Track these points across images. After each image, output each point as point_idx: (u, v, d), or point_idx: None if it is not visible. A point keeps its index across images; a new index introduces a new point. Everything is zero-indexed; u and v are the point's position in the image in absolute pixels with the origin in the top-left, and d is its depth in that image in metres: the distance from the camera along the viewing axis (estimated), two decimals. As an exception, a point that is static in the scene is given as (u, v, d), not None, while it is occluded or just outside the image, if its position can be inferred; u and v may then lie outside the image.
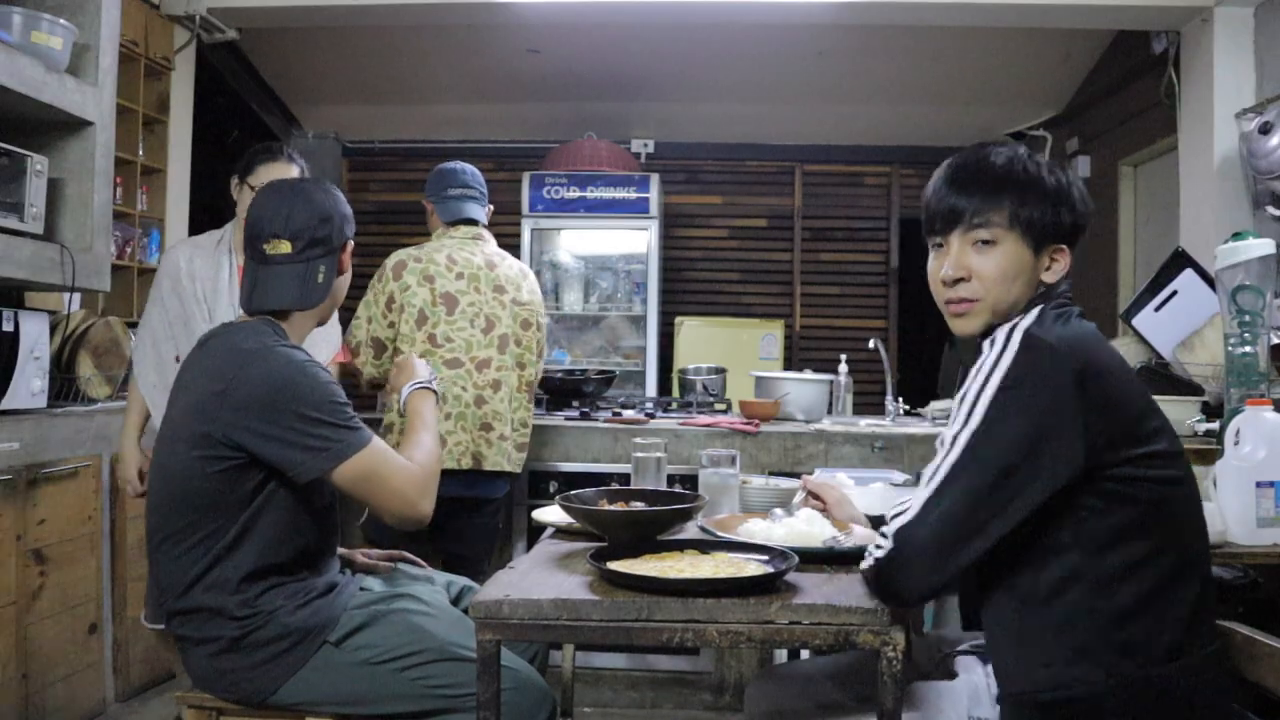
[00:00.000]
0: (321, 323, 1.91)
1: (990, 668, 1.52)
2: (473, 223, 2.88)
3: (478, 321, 2.77)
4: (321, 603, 1.71)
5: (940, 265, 1.50)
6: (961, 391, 1.39)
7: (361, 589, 1.83)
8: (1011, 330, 1.39)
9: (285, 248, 1.77)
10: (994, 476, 1.30)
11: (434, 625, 1.73)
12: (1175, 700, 1.32)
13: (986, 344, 1.41)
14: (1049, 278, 1.48)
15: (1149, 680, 1.31)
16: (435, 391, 1.96)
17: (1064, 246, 1.48)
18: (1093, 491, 1.32)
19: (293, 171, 2.59)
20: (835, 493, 1.86)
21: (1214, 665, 1.38)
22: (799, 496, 1.94)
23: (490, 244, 2.89)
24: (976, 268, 1.46)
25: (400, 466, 1.72)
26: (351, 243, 1.87)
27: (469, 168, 2.95)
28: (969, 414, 1.34)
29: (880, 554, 1.35)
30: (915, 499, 1.34)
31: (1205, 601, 1.38)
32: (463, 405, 2.71)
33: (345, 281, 1.89)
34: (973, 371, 1.39)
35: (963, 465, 1.31)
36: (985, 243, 1.46)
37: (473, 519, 2.77)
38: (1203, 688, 1.35)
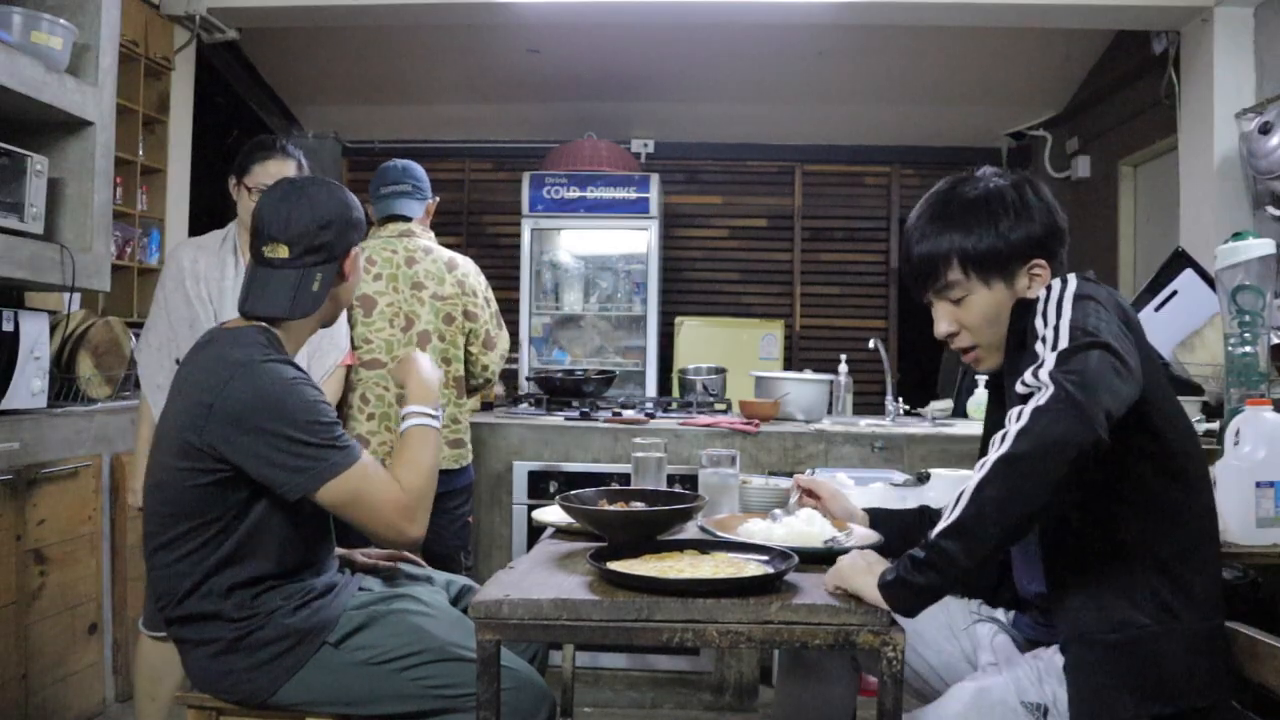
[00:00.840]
0: (326, 325, 1.88)
1: (1027, 653, 1.56)
2: (402, 219, 2.87)
3: (397, 321, 2.77)
4: (320, 603, 1.71)
5: (936, 322, 1.61)
6: (1032, 318, 1.42)
7: (361, 589, 1.83)
8: (1064, 275, 1.47)
9: (282, 252, 1.72)
10: (1114, 333, 1.34)
11: (433, 625, 1.73)
12: (1214, 654, 1.43)
13: (1042, 289, 1.47)
14: (1033, 294, 1.52)
15: (1191, 631, 1.41)
16: (437, 425, 1.83)
17: (1038, 260, 1.53)
18: (1141, 437, 1.40)
19: (289, 167, 2.51)
20: (828, 487, 1.87)
21: (1225, 637, 1.47)
22: (794, 497, 1.93)
23: (418, 239, 2.85)
24: (961, 320, 1.58)
25: (387, 487, 1.67)
26: (357, 249, 1.81)
27: (403, 163, 2.92)
28: (1057, 311, 1.38)
29: (1040, 400, 1.27)
30: (1039, 360, 1.33)
31: (1220, 575, 1.50)
32: (385, 405, 2.74)
33: (350, 287, 1.85)
34: (1037, 304, 1.44)
35: (1079, 340, 1.32)
36: (957, 299, 1.56)
37: None
38: (1222, 654, 1.45)
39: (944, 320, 1.59)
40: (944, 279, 1.55)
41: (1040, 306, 1.43)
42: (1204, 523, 1.48)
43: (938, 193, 1.60)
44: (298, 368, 1.72)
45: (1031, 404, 1.27)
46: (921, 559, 1.29)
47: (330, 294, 1.78)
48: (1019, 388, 1.33)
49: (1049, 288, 1.46)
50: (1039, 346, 1.36)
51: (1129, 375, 1.29)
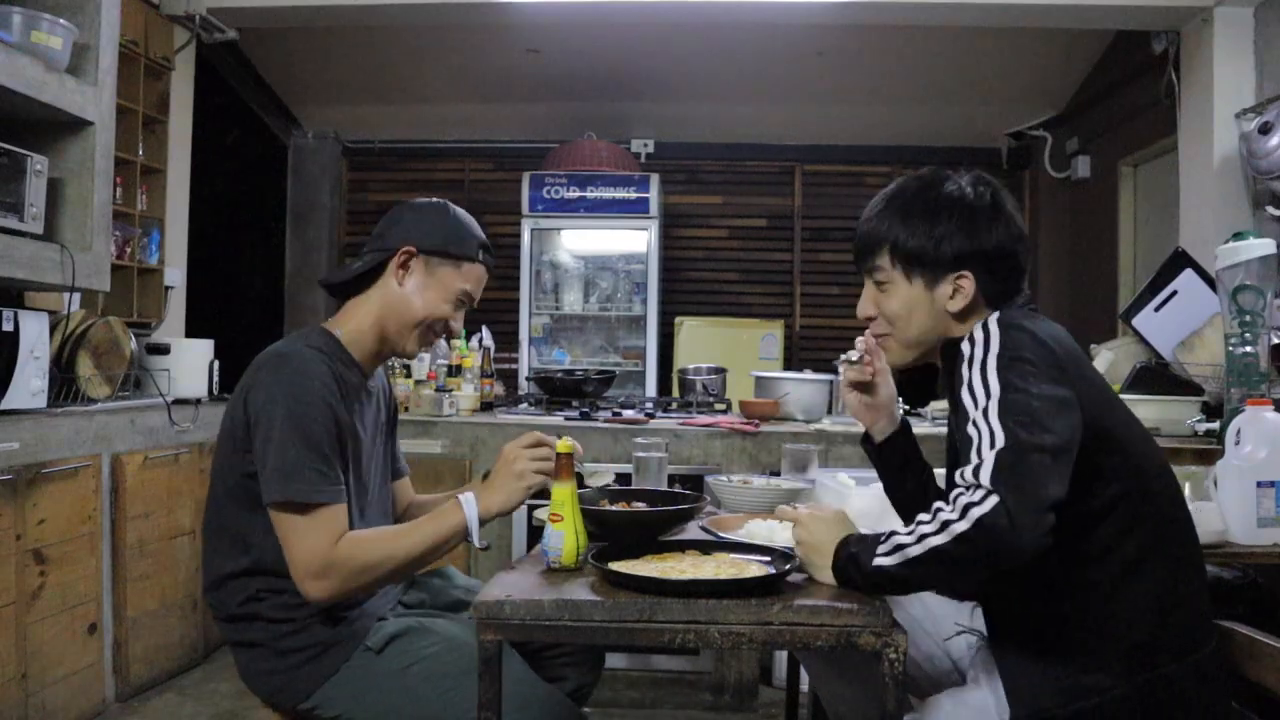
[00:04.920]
0: (388, 339, 1.78)
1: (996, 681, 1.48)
2: None
3: None
4: (357, 611, 1.67)
5: (861, 301, 1.61)
6: (959, 385, 1.40)
7: (401, 601, 1.82)
8: (986, 322, 1.42)
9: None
10: (1048, 411, 1.29)
11: (473, 635, 1.69)
12: (1187, 699, 1.34)
13: (965, 343, 1.44)
14: (954, 306, 1.51)
15: (1161, 681, 1.32)
16: (472, 541, 1.69)
17: (965, 273, 1.50)
18: (1082, 489, 1.32)
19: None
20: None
21: (1217, 661, 1.40)
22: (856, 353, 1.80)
23: None
24: (880, 306, 1.58)
25: (307, 538, 1.54)
26: (414, 258, 1.74)
27: None
28: (985, 390, 1.34)
29: (983, 509, 1.24)
30: (978, 459, 1.28)
31: (1205, 597, 1.40)
32: None
33: (403, 294, 1.75)
34: (963, 366, 1.40)
35: (1015, 438, 1.27)
36: (881, 284, 1.56)
37: None
38: (1209, 684, 1.37)
39: (867, 301, 1.60)
40: (874, 262, 1.56)
41: (966, 372, 1.37)
42: (1174, 540, 1.39)
43: (907, 179, 1.59)
44: (328, 365, 1.66)
45: (974, 509, 1.25)
46: (866, 571, 1.34)
47: (380, 292, 1.76)
48: (957, 479, 1.30)
49: (972, 340, 1.41)
50: (971, 430, 1.32)
51: (1065, 470, 1.27)
